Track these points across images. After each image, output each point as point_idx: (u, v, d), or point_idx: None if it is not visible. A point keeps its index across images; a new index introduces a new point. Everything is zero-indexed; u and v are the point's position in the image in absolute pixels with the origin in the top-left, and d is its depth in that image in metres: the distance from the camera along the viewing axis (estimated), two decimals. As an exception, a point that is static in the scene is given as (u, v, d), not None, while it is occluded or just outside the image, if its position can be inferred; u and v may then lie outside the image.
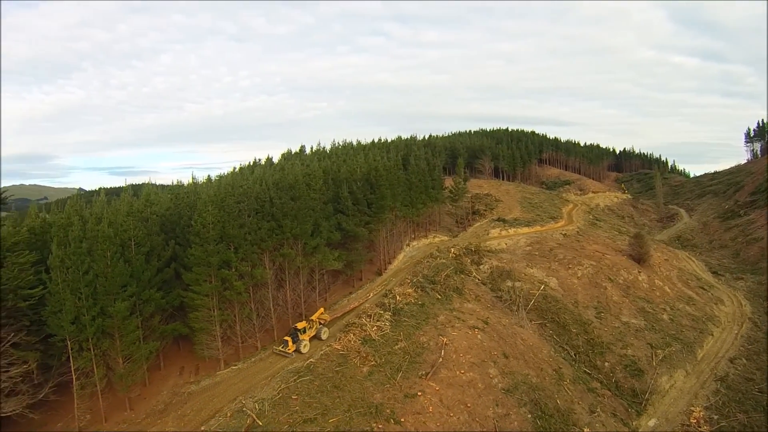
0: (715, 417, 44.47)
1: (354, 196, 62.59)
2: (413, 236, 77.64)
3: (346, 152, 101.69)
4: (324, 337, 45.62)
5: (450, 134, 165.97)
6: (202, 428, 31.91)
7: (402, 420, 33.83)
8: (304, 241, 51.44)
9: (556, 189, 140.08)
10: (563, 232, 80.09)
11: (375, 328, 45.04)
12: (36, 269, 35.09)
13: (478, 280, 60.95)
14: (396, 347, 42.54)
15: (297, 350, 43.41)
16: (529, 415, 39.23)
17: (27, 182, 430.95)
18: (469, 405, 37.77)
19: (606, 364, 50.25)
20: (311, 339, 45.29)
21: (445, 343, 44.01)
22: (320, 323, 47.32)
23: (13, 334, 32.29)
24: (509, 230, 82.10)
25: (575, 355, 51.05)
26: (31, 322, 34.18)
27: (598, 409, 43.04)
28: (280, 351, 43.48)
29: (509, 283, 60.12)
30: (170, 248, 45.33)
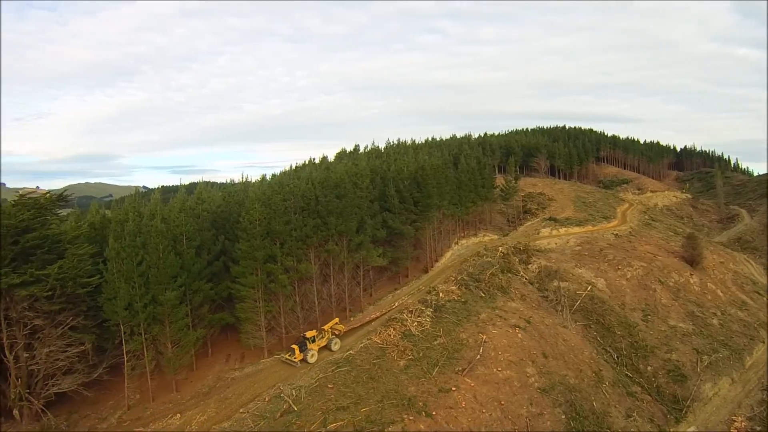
0: (758, 429, 41.98)
1: (400, 195, 62.99)
2: (462, 234, 77.06)
3: (399, 151, 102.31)
4: (335, 348, 43.84)
5: (506, 132, 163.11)
6: (241, 410, 33.22)
7: (433, 413, 33.88)
8: (348, 237, 52.33)
9: (614, 188, 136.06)
10: (615, 233, 77.75)
11: (416, 323, 45.04)
12: (94, 260, 37.70)
13: (526, 279, 59.74)
14: (435, 343, 42.44)
15: (304, 359, 41.86)
16: (563, 416, 38.64)
17: (92, 180, 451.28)
18: (502, 402, 37.40)
19: (649, 368, 48.72)
20: (321, 349, 43.84)
21: (485, 341, 43.50)
22: (333, 334, 45.70)
23: (71, 317, 35.12)
24: (560, 230, 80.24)
25: (618, 357, 49.63)
26: (88, 308, 36.95)
27: (635, 414, 41.97)
28: (286, 359, 42.22)
29: (556, 283, 58.58)
30: (220, 243, 47.48)
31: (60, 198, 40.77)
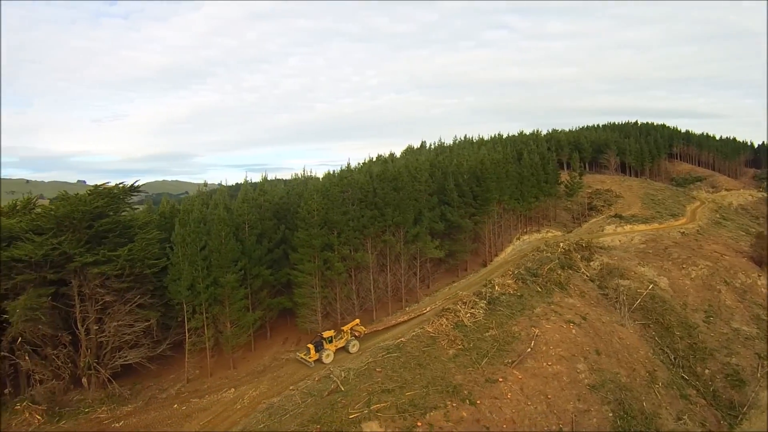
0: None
1: (459, 189, 62.43)
2: (524, 230, 75.21)
3: (463, 147, 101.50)
4: (352, 350, 41.84)
5: (576, 128, 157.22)
6: (291, 388, 33.81)
7: (478, 402, 33.26)
8: (405, 229, 52.35)
9: (686, 186, 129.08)
10: (682, 231, 73.44)
11: (468, 314, 44.16)
12: (162, 245, 40.31)
13: (586, 276, 57.29)
14: (486, 334, 41.56)
15: (319, 359, 40.27)
16: (611, 414, 36.88)
17: (169, 178, 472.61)
18: (549, 396, 36.34)
19: (706, 371, 46.07)
20: (339, 350, 42.20)
21: (537, 335, 42.24)
22: (354, 335, 43.57)
23: (139, 296, 37.67)
24: (625, 227, 76.80)
25: (674, 359, 46.99)
26: (154, 288, 39.57)
27: (686, 417, 39.61)
28: (301, 358, 40.95)
29: (616, 281, 55.67)
30: (281, 232, 49.08)
31: (131, 188, 43.64)
